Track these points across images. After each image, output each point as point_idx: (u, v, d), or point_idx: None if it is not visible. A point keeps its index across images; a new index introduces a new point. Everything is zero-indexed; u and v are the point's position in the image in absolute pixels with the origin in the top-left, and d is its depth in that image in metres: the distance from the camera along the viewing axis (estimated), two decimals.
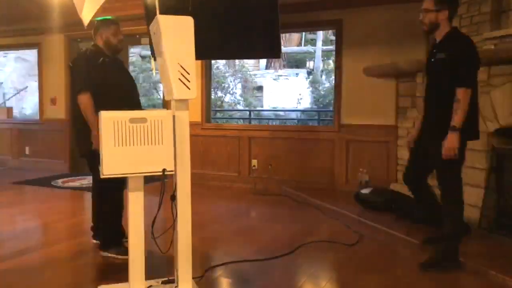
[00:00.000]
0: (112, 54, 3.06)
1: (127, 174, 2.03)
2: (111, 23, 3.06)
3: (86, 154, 2.91)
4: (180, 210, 2.13)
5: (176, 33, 2.07)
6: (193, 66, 2.09)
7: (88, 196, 3.66)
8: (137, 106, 3.05)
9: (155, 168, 2.06)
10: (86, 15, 2.57)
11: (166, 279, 2.31)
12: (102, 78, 2.87)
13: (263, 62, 13.76)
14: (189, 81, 2.06)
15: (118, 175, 2.01)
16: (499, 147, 3.47)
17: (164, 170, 2.05)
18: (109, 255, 2.89)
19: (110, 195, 2.88)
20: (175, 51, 2.06)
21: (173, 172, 2.09)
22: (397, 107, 4.80)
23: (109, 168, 1.98)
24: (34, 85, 10.57)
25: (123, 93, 2.94)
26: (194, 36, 2.08)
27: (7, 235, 3.46)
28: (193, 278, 2.35)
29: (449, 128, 2.57)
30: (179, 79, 2.05)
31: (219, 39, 4.18)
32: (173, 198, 2.15)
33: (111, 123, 1.97)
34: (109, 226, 2.94)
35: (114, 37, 3.04)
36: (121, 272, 2.48)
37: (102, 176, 1.99)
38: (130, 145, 2.00)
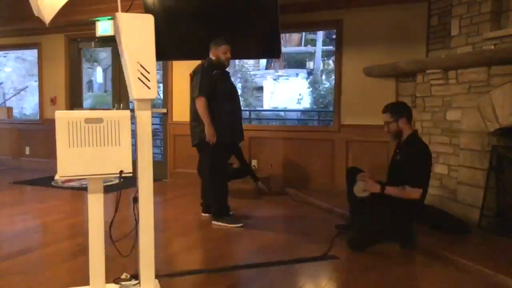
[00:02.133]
0: (221, 68, 3.78)
1: (82, 175, 1.97)
2: (222, 43, 3.73)
3: (197, 144, 3.80)
4: (142, 212, 2.11)
5: (136, 31, 2.03)
6: (154, 65, 2.05)
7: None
8: (239, 108, 4.03)
9: (112, 170, 1.98)
10: (48, 14, 2.56)
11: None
12: (214, 86, 3.66)
13: (263, 62, 13.76)
14: (149, 81, 2.03)
15: (73, 177, 1.97)
16: (499, 147, 3.48)
17: (121, 172, 1.99)
18: (221, 224, 3.73)
19: (219, 178, 3.79)
20: (135, 49, 2.03)
21: (131, 174, 2.04)
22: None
23: (64, 169, 1.92)
24: (34, 85, 10.58)
25: (229, 98, 3.79)
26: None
27: (7, 235, 3.45)
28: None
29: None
30: (138, 78, 2.02)
31: None
32: (135, 200, 2.13)
33: (65, 123, 1.91)
34: (221, 201, 3.80)
35: (224, 55, 3.74)
36: (121, 272, 2.49)
37: (57, 178, 1.94)
38: (86, 146, 1.94)
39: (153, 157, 2.17)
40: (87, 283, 2.11)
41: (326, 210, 4.28)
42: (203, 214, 4.05)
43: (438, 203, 3.93)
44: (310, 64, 13.47)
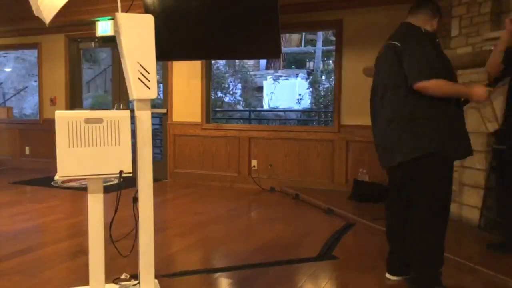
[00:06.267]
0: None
1: (82, 175, 1.97)
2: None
3: (413, 159, 2.30)
4: (141, 212, 2.11)
5: (136, 31, 2.04)
6: (154, 65, 2.06)
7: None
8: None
9: (111, 170, 1.99)
10: (48, 14, 2.56)
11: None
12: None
13: (263, 62, 13.75)
14: (149, 81, 2.04)
15: (72, 177, 1.98)
16: (499, 148, 3.47)
17: (121, 172, 1.99)
18: None
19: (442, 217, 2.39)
20: (135, 50, 2.04)
21: (130, 174, 2.04)
22: None
23: (63, 169, 1.93)
24: (34, 85, 10.58)
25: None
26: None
27: (7, 235, 3.46)
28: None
29: None
30: (138, 78, 2.03)
31: (219, 40, 4.19)
32: (135, 200, 2.13)
33: (65, 123, 1.92)
34: (435, 264, 2.40)
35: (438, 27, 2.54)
36: (121, 272, 2.49)
37: (57, 178, 1.94)
38: (86, 146, 1.95)
39: (153, 157, 2.17)
40: (87, 283, 2.11)
41: (326, 210, 4.28)
42: (388, 276, 2.60)
43: None
44: (310, 64, 13.45)
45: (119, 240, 2.20)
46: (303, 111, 11.54)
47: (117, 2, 2.21)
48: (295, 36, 13.73)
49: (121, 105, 6.30)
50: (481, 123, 3.53)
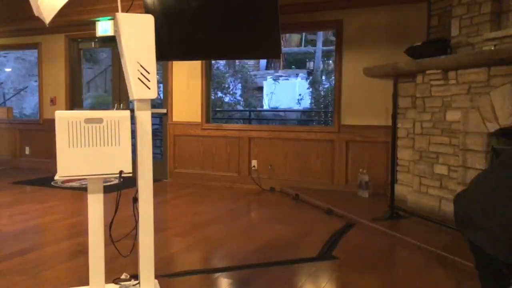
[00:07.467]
0: None
1: (82, 175, 1.98)
2: None
3: None
4: (141, 212, 2.11)
5: (136, 31, 2.05)
6: (154, 65, 2.06)
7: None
8: None
9: (111, 170, 1.99)
10: (48, 14, 2.56)
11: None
12: None
13: (263, 62, 13.76)
14: (149, 81, 2.04)
15: (73, 177, 1.98)
16: (499, 148, 3.48)
17: (121, 172, 1.99)
18: None
19: None
20: (135, 50, 2.04)
21: (130, 174, 2.04)
22: (396, 108, 4.79)
23: (64, 169, 1.94)
24: (34, 85, 10.59)
25: None
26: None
27: (7, 235, 3.46)
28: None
29: None
30: (138, 78, 2.03)
31: (219, 40, 4.19)
32: (135, 200, 2.13)
33: (65, 123, 1.93)
34: None
35: None
36: (121, 272, 2.49)
37: (57, 178, 1.95)
38: (86, 146, 1.95)
39: (153, 157, 2.17)
40: (87, 283, 2.11)
41: (326, 210, 4.28)
42: None
43: (438, 204, 3.93)
44: (310, 65, 13.46)
45: (119, 240, 2.20)
46: (303, 111, 11.54)
47: (117, 2, 2.21)
48: (295, 36, 13.74)
49: (121, 105, 6.30)
50: (481, 123, 3.54)
